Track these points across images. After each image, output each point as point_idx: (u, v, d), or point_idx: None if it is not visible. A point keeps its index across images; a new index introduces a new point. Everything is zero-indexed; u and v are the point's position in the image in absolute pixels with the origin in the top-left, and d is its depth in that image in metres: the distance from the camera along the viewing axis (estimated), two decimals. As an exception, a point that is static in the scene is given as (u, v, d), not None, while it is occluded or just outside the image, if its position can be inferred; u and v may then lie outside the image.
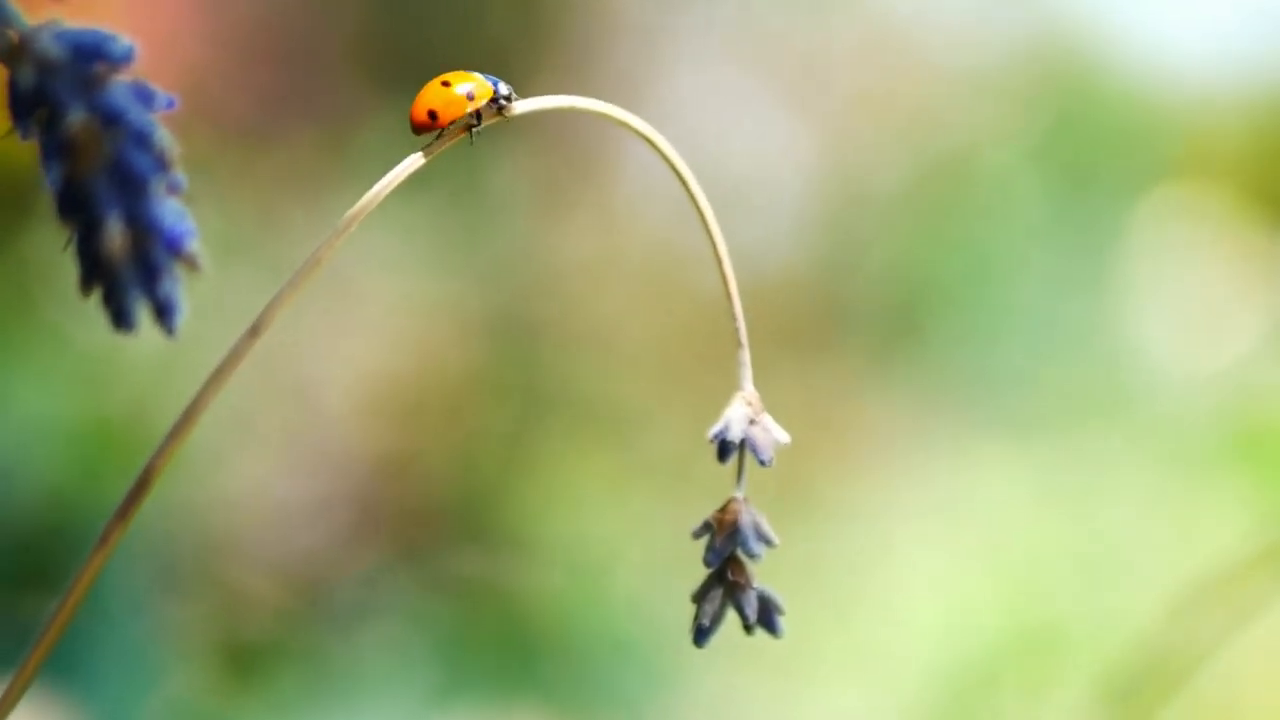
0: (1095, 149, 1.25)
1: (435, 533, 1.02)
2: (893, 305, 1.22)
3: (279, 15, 1.19)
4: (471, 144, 0.29)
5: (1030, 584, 0.97)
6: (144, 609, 0.80)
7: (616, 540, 1.02)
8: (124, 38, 0.26)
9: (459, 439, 1.07)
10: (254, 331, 0.26)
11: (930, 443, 1.11)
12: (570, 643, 0.92)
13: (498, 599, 0.96)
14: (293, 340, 1.00)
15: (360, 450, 1.04)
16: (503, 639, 0.92)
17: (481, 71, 0.30)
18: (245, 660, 0.86)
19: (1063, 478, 1.06)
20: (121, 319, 0.25)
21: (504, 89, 0.30)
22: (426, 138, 0.29)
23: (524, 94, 0.31)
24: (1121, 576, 0.98)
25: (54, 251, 1.00)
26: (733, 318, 0.28)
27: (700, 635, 0.27)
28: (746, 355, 0.28)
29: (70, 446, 0.90)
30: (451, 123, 0.29)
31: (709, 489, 1.04)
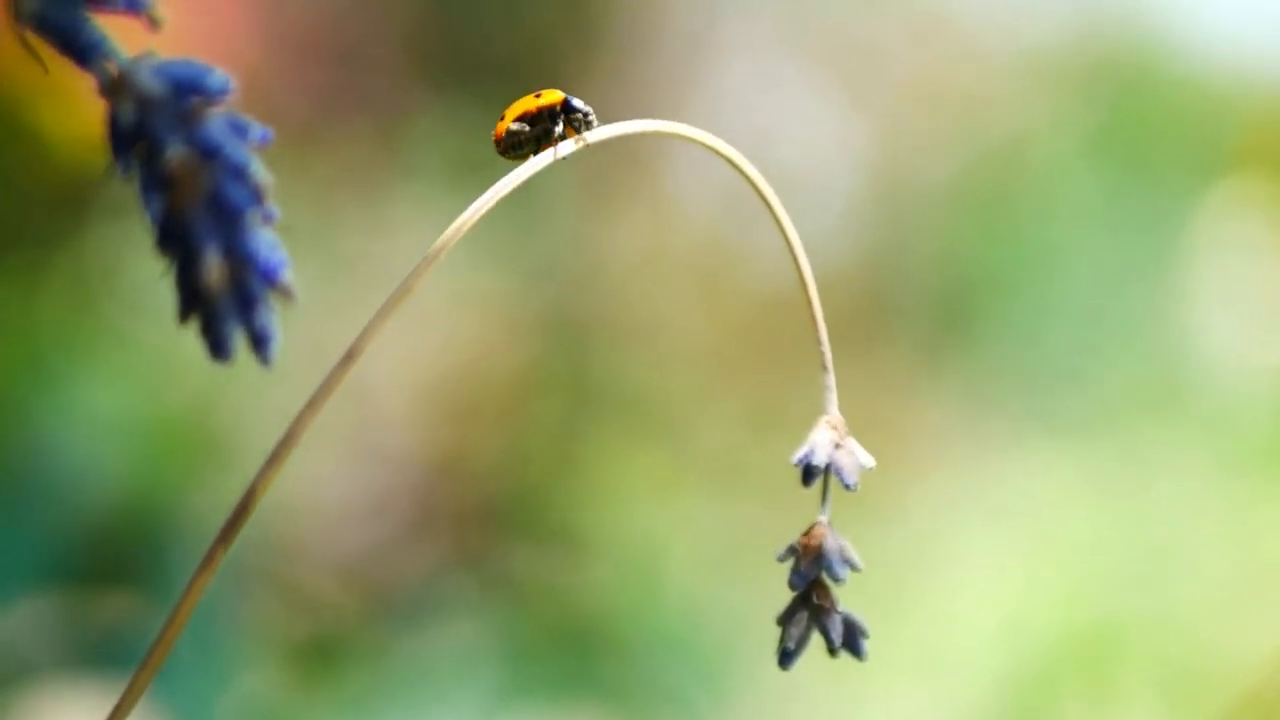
0: (1153, 138, 1.24)
1: (490, 530, 1.03)
2: (944, 299, 1.22)
3: (332, 14, 1.19)
4: (555, 155, 0.30)
5: (1087, 584, 0.97)
6: (213, 609, 0.81)
7: (668, 537, 1.02)
8: (220, 71, 0.26)
9: (511, 436, 1.07)
10: (349, 357, 0.26)
11: (983, 440, 1.11)
12: (627, 640, 0.92)
13: (553, 596, 0.96)
14: (347, 339, 1.01)
15: (415, 449, 1.04)
16: (561, 636, 0.92)
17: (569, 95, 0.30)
18: (312, 658, 0.87)
19: (1118, 475, 1.05)
20: (219, 349, 0.26)
21: (579, 103, 0.30)
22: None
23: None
24: (1179, 576, 0.97)
25: (113, 251, 1.01)
26: (817, 342, 0.28)
27: (785, 658, 0.28)
28: (832, 379, 0.28)
29: (134, 445, 0.91)
30: (518, 120, 0.29)
31: (760, 485, 1.04)
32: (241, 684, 0.80)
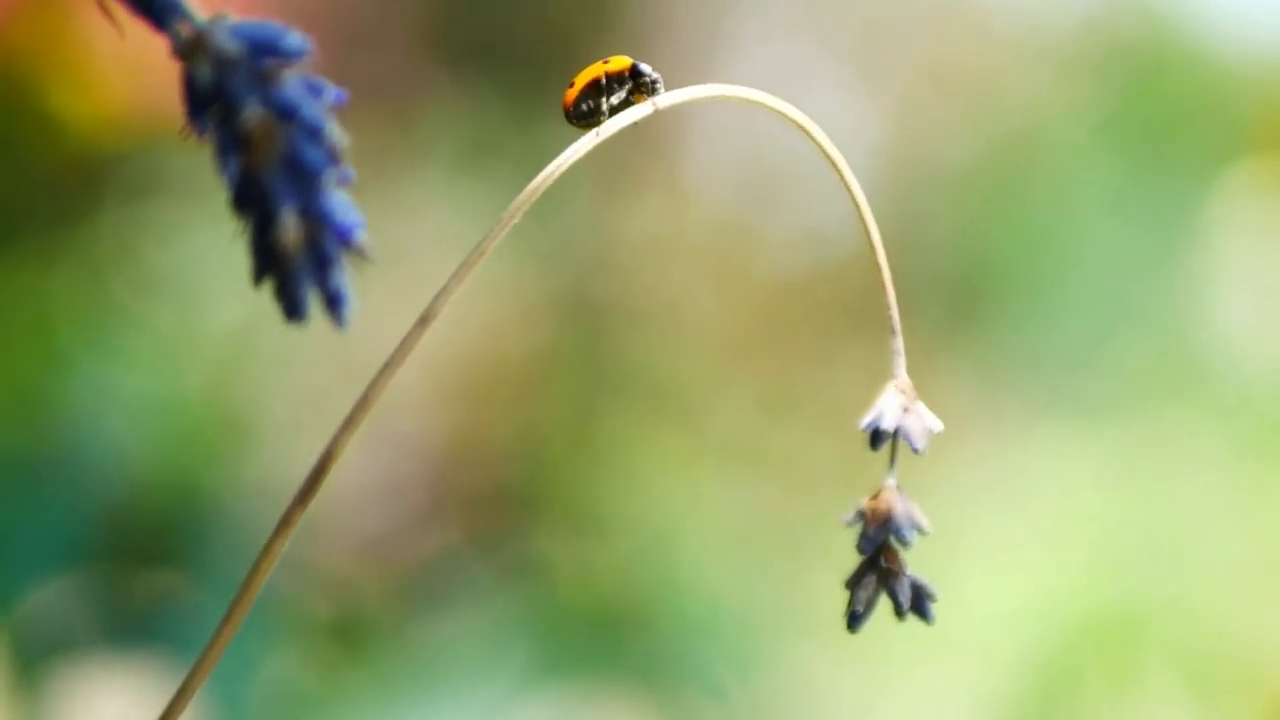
0: (1169, 121, 1.24)
1: (508, 512, 1.03)
2: (960, 283, 1.22)
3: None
4: (605, 119, 0.30)
5: (1105, 567, 0.97)
6: (233, 589, 0.80)
7: (685, 518, 1.02)
8: (296, 33, 0.26)
9: (527, 419, 1.07)
10: (423, 321, 0.26)
11: (999, 423, 1.11)
12: (649, 621, 0.92)
13: (572, 578, 0.96)
14: (362, 320, 1.01)
15: (432, 431, 1.05)
16: (581, 618, 0.92)
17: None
18: (335, 640, 0.87)
19: (1136, 459, 1.06)
20: (294, 310, 0.26)
21: (646, 68, 0.30)
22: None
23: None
24: (1198, 560, 0.97)
25: (128, 233, 1.01)
26: (886, 306, 0.28)
27: (854, 620, 0.28)
28: (900, 343, 0.28)
29: (154, 426, 0.91)
30: (587, 86, 0.29)
31: (776, 467, 1.04)
32: (269, 664, 0.80)
